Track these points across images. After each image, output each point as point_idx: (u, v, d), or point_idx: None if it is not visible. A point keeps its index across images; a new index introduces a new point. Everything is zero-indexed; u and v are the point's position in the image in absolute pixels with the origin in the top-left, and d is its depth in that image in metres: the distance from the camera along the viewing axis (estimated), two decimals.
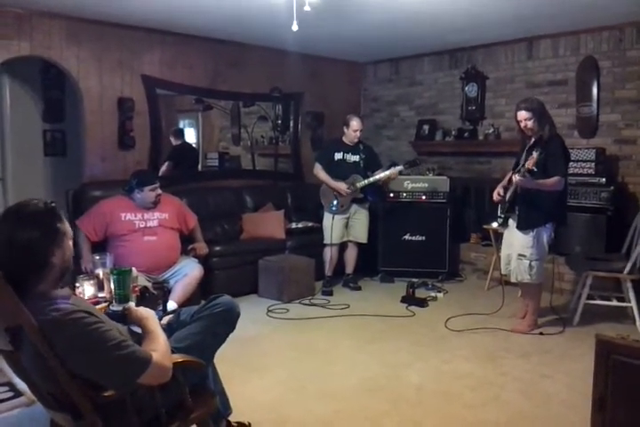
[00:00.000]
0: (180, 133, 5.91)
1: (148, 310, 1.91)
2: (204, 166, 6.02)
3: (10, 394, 2.82)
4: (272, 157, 6.28)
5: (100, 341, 1.55)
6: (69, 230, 1.73)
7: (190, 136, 6.17)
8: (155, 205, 4.02)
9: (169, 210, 4.09)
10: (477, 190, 5.74)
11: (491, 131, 5.57)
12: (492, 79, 5.67)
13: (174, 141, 5.80)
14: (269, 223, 5.23)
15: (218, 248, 4.66)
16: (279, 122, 6.27)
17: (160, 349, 1.69)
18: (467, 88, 5.82)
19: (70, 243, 1.73)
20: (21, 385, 2.84)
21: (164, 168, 5.36)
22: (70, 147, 5.54)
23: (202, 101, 5.72)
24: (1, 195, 5.17)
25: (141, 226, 3.91)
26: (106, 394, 1.62)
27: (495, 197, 3.91)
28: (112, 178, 4.70)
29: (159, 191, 4.04)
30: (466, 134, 5.80)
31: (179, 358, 1.79)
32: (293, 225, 5.41)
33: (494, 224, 4.52)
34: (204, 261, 4.30)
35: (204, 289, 4.15)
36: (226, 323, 2.12)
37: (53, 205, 1.71)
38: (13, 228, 1.61)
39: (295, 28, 3.53)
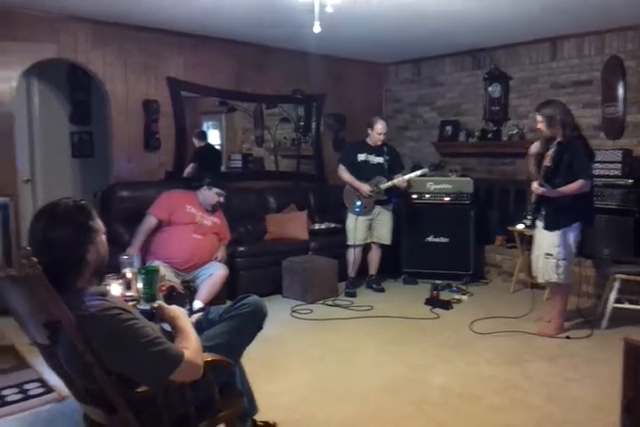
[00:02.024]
0: (204, 135, 5.97)
1: (179, 308, 1.94)
2: (227, 168, 6.07)
3: (41, 390, 2.87)
4: (295, 159, 6.31)
5: (134, 337, 1.58)
6: (102, 227, 1.76)
7: (214, 138, 6.23)
8: (212, 209, 4.14)
9: (220, 220, 4.26)
10: (501, 192, 5.69)
11: (515, 131, 5.52)
12: (516, 79, 5.62)
13: (197, 143, 5.85)
14: (293, 224, 5.25)
15: (242, 249, 4.70)
16: (301, 123, 6.29)
17: (192, 347, 1.71)
18: (490, 88, 5.78)
19: (104, 238, 1.76)
20: (52, 382, 2.91)
21: (188, 170, 5.41)
22: (97, 148, 5.63)
23: (225, 103, 5.77)
24: (30, 196, 5.27)
25: (198, 222, 4.05)
26: (139, 390, 1.64)
27: (535, 187, 3.69)
28: (139, 179, 4.79)
29: (222, 200, 4.15)
30: (489, 135, 5.76)
31: (208, 356, 1.80)
32: (316, 226, 5.42)
33: (519, 226, 4.49)
34: (229, 261, 4.34)
35: (229, 289, 4.19)
36: (253, 323, 2.14)
37: (83, 202, 1.74)
38: (47, 227, 1.65)
39: (317, 29, 3.54)
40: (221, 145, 6.26)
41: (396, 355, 3.51)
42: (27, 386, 2.92)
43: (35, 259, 1.52)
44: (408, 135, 6.66)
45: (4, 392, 2.84)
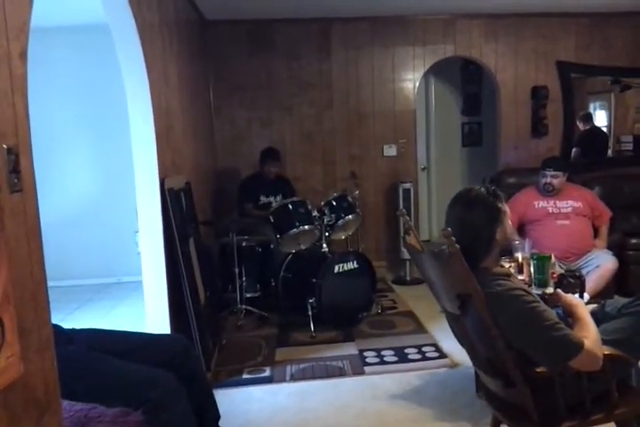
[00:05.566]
0: (589, 118, 5.63)
1: (576, 297, 1.95)
2: (614, 152, 5.60)
3: (436, 354, 3.25)
4: None
5: (537, 319, 1.66)
6: (507, 210, 1.88)
7: (600, 119, 5.80)
8: (549, 192, 3.94)
9: (582, 201, 4.02)
10: None
11: None
12: None
13: (582, 126, 5.56)
14: None
15: (634, 241, 4.31)
16: None
17: (591, 337, 1.71)
18: None
19: (509, 221, 1.88)
20: (446, 348, 3.28)
21: (572, 155, 5.23)
22: (485, 137, 5.94)
23: (618, 82, 5.33)
24: (425, 182, 5.92)
25: (555, 212, 3.96)
26: (537, 370, 1.72)
27: None
28: (524, 166, 4.85)
29: (548, 180, 3.93)
30: None
31: (607, 350, 1.76)
32: None
33: None
34: (618, 253, 4.04)
35: (618, 283, 3.92)
36: None
37: (494, 187, 1.88)
38: (464, 209, 1.83)
39: None
40: (609, 127, 5.78)
41: None
42: (424, 349, 3.34)
43: (454, 238, 1.68)
44: None
45: (407, 351, 3.33)
